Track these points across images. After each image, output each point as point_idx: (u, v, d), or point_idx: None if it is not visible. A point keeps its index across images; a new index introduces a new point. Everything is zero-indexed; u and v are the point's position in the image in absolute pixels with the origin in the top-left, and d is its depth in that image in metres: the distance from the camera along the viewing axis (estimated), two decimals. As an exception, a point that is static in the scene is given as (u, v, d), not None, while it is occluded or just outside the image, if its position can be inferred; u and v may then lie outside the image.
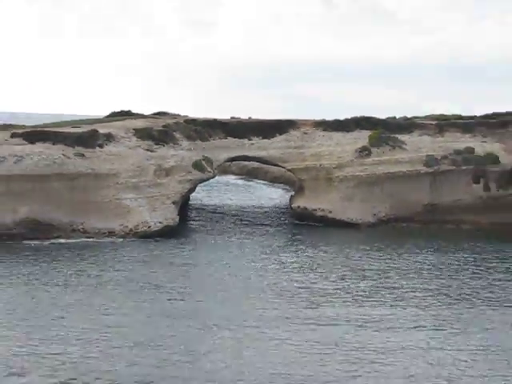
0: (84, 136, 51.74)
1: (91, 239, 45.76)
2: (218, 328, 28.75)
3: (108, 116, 66.07)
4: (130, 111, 65.80)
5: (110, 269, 38.24)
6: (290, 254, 44.09)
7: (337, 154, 58.00)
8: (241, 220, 56.55)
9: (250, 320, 29.89)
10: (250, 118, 67.29)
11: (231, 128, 60.48)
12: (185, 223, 53.45)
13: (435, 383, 23.91)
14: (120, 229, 47.30)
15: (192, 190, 56.55)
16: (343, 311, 31.49)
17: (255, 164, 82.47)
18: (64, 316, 29.59)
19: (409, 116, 70.27)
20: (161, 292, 33.90)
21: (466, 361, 25.95)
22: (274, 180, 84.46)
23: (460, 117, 68.61)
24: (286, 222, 56.96)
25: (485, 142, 59.46)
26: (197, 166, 53.73)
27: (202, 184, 58.90)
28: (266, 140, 59.93)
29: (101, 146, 51.53)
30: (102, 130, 53.49)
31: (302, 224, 54.74)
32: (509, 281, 38.10)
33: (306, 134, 60.95)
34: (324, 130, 61.30)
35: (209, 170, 54.91)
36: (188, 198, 59.98)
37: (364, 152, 57.39)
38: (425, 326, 29.71)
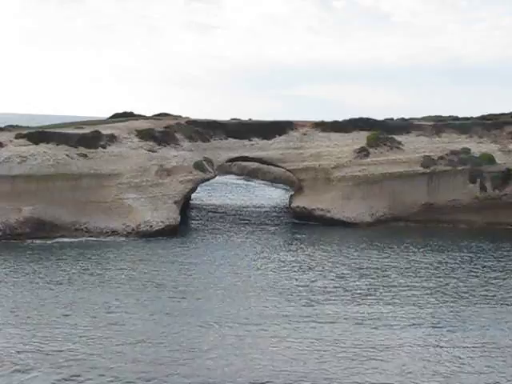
0: (87, 137, 51.79)
1: (94, 238, 45.77)
2: (219, 326, 28.77)
3: (111, 117, 66.11)
4: (132, 113, 65.91)
5: (112, 267, 38.24)
6: (289, 252, 44.08)
7: (335, 155, 58.01)
8: (241, 219, 56.52)
9: (251, 318, 29.91)
10: (250, 119, 67.33)
11: (232, 129, 60.48)
12: (186, 223, 53.44)
13: (432, 380, 23.92)
14: (122, 228, 47.31)
15: (193, 189, 56.56)
16: (342, 309, 31.51)
17: (255, 164, 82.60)
18: (68, 314, 29.62)
19: (406, 117, 70.41)
20: (163, 290, 33.91)
21: (462, 358, 25.98)
22: (273, 180, 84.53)
23: (456, 118, 68.82)
24: (286, 221, 56.93)
25: (481, 142, 59.48)
26: (198, 166, 53.74)
27: (203, 184, 58.90)
28: (265, 141, 59.93)
29: (104, 147, 51.55)
30: (105, 131, 53.52)
31: (302, 223, 54.74)
32: (504, 279, 38.12)
33: (305, 134, 60.96)
34: (323, 131, 61.34)
35: (210, 170, 54.90)
36: (189, 198, 60.02)
37: (362, 152, 57.41)
38: (422, 324, 29.74)
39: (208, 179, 55.92)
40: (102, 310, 30.43)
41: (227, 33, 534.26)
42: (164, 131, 56.50)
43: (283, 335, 27.82)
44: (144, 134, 54.81)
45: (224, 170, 79.24)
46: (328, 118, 63.94)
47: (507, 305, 33.16)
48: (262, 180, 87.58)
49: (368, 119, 63.00)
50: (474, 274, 39.15)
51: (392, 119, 68.86)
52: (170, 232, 47.76)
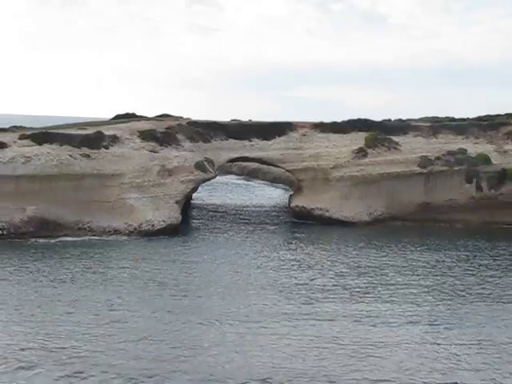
0: (90, 138, 51.77)
1: (97, 237, 45.74)
2: (219, 323, 28.74)
3: (113, 118, 66.05)
4: (134, 114, 65.87)
5: (115, 266, 38.20)
6: (289, 251, 44.05)
7: (334, 155, 57.99)
8: (241, 219, 56.49)
9: (251, 315, 29.88)
10: (250, 120, 67.29)
11: (232, 130, 60.45)
12: (187, 222, 53.42)
13: (430, 376, 23.88)
14: (125, 227, 47.29)
15: (194, 189, 56.50)
16: (341, 307, 31.47)
17: (255, 165, 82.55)
18: (71, 311, 29.60)
19: (403, 118, 70.41)
20: (164, 288, 33.87)
21: (459, 354, 25.95)
22: (273, 180, 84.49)
23: (453, 119, 68.79)
24: (285, 220, 56.90)
25: (477, 143, 59.44)
26: (199, 166, 53.71)
27: (203, 184, 58.85)
28: (265, 141, 59.91)
29: (106, 148, 51.53)
30: (108, 131, 53.50)
31: (301, 223, 54.70)
32: (500, 277, 38.08)
33: (304, 135, 60.94)
34: (322, 132, 61.34)
35: (210, 170, 54.88)
36: (190, 198, 59.99)
37: (360, 153, 57.39)
38: (419, 321, 29.70)
39: (209, 179, 55.90)
40: (105, 307, 30.41)
41: (227, 35, 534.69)
42: (165, 132, 56.49)
43: (283, 332, 27.79)
44: (146, 135, 54.80)
45: (224, 170, 79.17)
46: (327, 119, 64.14)
47: (503, 302, 33.12)
48: (262, 180, 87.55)
49: (366, 120, 62.99)
50: (471, 272, 39.11)
51: (389, 120, 68.86)
52: (171, 231, 47.75)
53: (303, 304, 31.78)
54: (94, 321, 28.41)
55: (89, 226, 47.01)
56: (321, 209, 55.01)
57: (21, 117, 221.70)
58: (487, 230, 52.47)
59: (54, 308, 30.12)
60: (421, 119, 70.07)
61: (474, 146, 58.46)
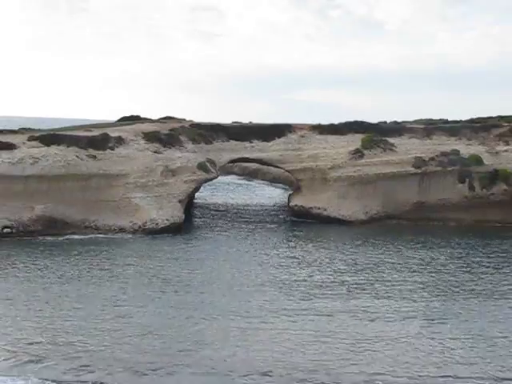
0: (96, 139, 51.72)
1: (103, 235, 45.67)
2: (221, 318, 28.69)
3: (118, 120, 66.03)
4: (138, 116, 65.80)
5: (120, 263, 38.13)
6: (288, 249, 43.98)
7: (332, 156, 57.92)
8: (242, 217, 56.43)
9: (252, 311, 29.83)
10: (250, 122, 67.24)
11: (233, 132, 60.40)
12: (190, 220, 53.36)
13: (425, 369, 23.85)
14: (129, 226, 47.22)
15: (197, 189, 56.46)
16: (339, 303, 31.41)
17: (256, 165, 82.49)
18: (78, 307, 29.54)
19: (399, 120, 70.35)
20: (168, 285, 33.81)
21: (453, 348, 25.93)
22: (273, 180, 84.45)
23: (446, 121, 68.76)
24: (285, 219, 56.83)
25: (469, 144, 59.37)
26: (201, 166, 53.66)
27: (206, 184, 58.82)
28: (265, 143, 59.84)
29: (112, 149, 51.47)
30: (113, 133, 53.45)
31: (300, 221, 54.67)
32: (492, 274, 38.03)
33: (303, 137, 60.88)
34: (320, 134, 61.29)
35: (212, 170, 54.83)
36: (193, 197, 59.92)
37: (357, 154, 57.31)
38: (415, 317, 29.65)
39: (211, 179, 55.84)
40: (111, 303, 30.35)
41: (229, 40, 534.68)
42: (169, 134, 56.45)
43: (283, 327, 27.74)
44: (150, 137, 54.76)
45: (226, 170, 79.09)
46: (325, 122, 64.01)
47: (495, 298, 33.07)
48: (262, 180, 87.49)
49: (362, 122, 62.89)
50: (464, 269, 39.06)
51: (385, 122, 68.83)
52: (174, 229, 47.68)
53: (302, 300, 31.72)
54: (100, 316, 28.37)
55: (95, 225, 46.96)
56: (319, 208, 54.97)
57: (30, 119, 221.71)
58: (479, 229, 52.44)
59: (61, 303, 30.07)
60: (415, 121, 70.04)
61: (466, 148, 58.40)
